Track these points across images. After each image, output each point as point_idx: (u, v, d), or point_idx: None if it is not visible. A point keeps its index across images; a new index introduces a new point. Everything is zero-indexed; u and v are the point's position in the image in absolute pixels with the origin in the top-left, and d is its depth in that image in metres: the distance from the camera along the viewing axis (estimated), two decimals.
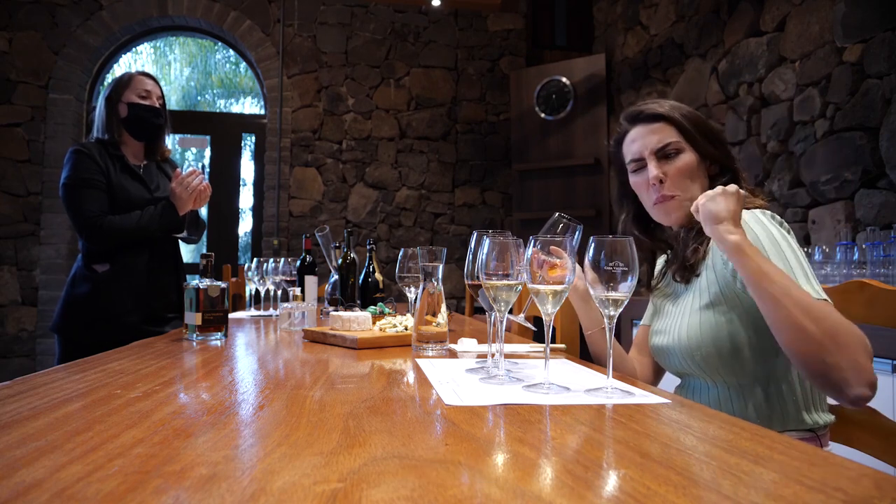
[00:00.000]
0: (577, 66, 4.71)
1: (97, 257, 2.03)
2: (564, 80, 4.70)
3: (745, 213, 1.08)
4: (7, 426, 0.63)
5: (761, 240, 1.05)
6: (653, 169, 1.19)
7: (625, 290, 0.84)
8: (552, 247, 0.87)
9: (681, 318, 1.14)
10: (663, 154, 1.20)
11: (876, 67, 2.44)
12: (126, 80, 2.14)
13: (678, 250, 1.20)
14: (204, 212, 2.93)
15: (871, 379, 0.90)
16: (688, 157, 1.19)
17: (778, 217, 1.12)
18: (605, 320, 0.87)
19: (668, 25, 4.02)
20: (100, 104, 2.13)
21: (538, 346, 1.37)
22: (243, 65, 5.33)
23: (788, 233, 1.09)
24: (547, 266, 0.87)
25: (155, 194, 2.12)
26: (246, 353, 1.34)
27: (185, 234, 2.18)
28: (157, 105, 2.15)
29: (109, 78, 4.86)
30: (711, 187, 1.09)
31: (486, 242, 0.93)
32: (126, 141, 2.13)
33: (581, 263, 0.89)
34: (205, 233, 2.40)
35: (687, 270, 1.16)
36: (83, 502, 0.43)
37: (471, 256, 1.01)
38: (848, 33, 2.58)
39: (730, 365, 1.08)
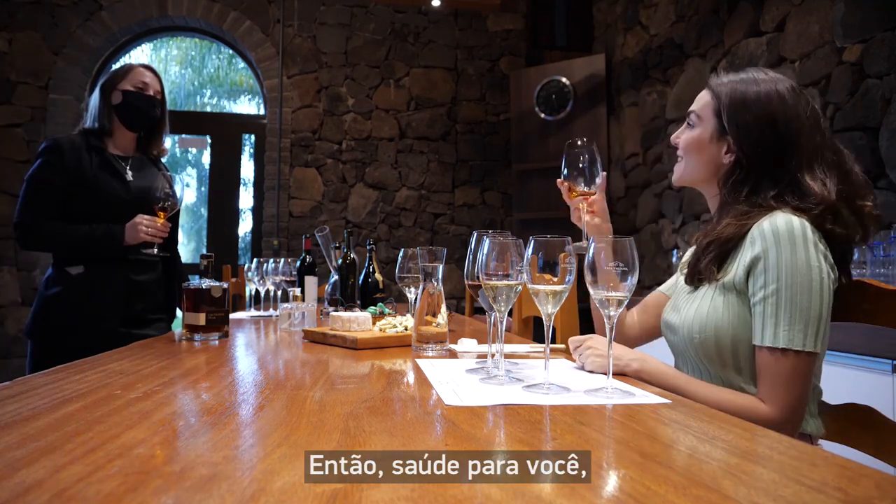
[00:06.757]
0: (577, 67, 4.71)
1: (70, 259, 1.90)
2: (564, 80, 4.70)
3: (780, 221, 1.03)
4: (7, 426, 0.63)
5: (777, 267, 1.01)
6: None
7: (625, 289, 0.84)
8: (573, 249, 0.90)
9: (694, 301, 1.15)
10: (688, 122, 1.25)
11: (876, 67, 2.44)
12: (124, 71, 2.04)
13: (693, 258, 1.20)
14: (204, 212, 2.89)
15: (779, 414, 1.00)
16: (698, 131, 1.21)
17: (814, 234, 1.04)
18: (605, 320, 0.87)
19: (668, 25, 4.02)
20: (95, 93, 2.03)
21: (538, 346, 1.38)
22: (242, 65, 5.32)
23: (824, 258, 1.03)
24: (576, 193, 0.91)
25: (132, 186, 1.96)
26: (246, 354, 1.34)
27: (155, 251, 1.93)
28: (155, 97, 2.04)
29: None
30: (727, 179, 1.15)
31: (486, 242, 0.93)
32: (116, 129, 2.01)
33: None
34: (204, 233, 2.35)
35: (695, 280, 1.17)
36: (83, 503, 0.43)
37: (471, 257, 1.01)
38: (848, 33, 2.58)
39: (724, 358, 1.09)
